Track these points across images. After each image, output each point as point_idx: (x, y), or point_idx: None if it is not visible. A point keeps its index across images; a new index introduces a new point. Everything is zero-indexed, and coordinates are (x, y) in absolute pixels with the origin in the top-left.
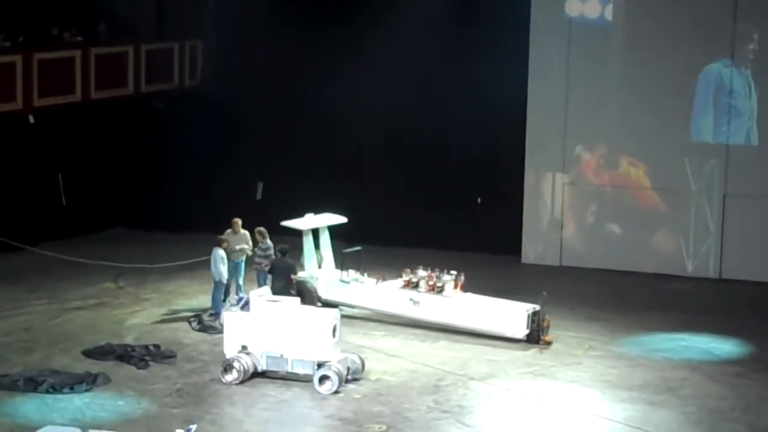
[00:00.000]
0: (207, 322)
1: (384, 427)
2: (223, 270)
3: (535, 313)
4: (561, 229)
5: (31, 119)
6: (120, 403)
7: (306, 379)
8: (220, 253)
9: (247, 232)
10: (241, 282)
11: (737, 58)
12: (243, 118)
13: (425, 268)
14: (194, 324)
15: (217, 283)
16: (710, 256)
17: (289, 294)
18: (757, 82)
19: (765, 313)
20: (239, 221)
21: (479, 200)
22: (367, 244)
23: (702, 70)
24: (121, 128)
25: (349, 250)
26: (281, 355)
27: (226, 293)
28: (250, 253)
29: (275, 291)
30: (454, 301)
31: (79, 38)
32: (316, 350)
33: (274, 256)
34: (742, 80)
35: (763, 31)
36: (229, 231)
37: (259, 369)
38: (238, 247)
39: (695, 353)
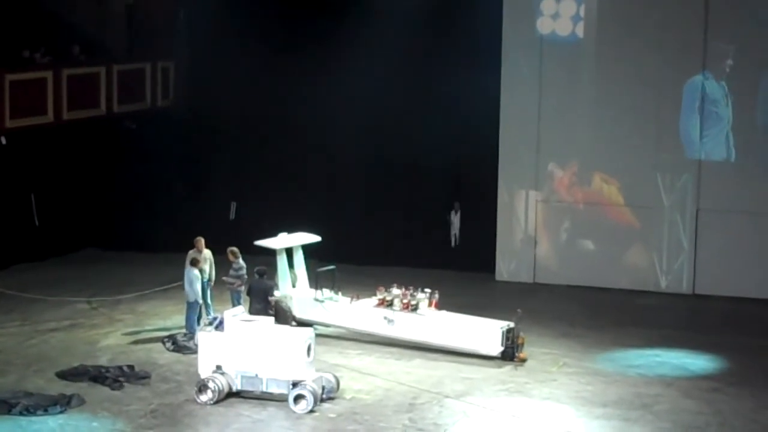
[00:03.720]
0: (181, 343)
1: None
2: (199, 290)
3: (509, 331)
4: (534, 246)
5: (3, 140)
6: (94, 424)
7: (281, 399)
8: (195, 272)
9: (209, 251)
10: (209, 301)
11: (709, 72)
12: (215, 138)
13: (399, 287)
14: (168, 344)
15: (192, 304)
16: (683, 271)
17: (267, 315)
18: (724, 96)
19: (739, 328)
20: (202, 240)
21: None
22: (341, 262)
23: (674, 85)
24: (93, 149)
25: (323, 268)
26: (256, 375)
27: (199, 313)
28: (213, 275)
29: (253, 313)
30: (429, 319)
31: (51, 59)
32: (291, 369)
33: (246, 276)
34: (719, 93)
35: (734, 45)
36: (192, 250)
37: (234, 389)
38: (203, 267)
39: (669, 369)
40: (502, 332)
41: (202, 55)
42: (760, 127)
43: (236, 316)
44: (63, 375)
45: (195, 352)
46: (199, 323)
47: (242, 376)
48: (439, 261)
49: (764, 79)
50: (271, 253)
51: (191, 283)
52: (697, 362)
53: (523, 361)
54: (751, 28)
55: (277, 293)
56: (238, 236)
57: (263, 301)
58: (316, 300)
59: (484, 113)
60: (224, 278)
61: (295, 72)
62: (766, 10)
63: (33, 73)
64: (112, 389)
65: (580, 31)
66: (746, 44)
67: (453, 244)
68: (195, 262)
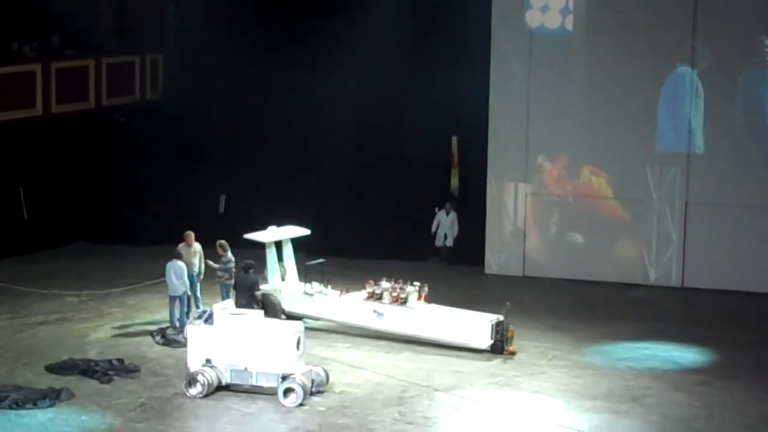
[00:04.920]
0: (170, 336)
1: None
2: (187, 280)
3: (498, 324)
4: (524, 239)
5: None
6: (84, 418)
7: (270, 392)
8: (181, 264)
9: (199, 245)
10: (198, 294)
11: (698, 65)
12: (205, 131)
13: (389, 280)
14: (158, 338)
15: (181, 297)
16: (672, 264)
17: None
18: (712, 89)
19: (727, 321)
20: (192, 234)
21: (437, 210)
22: (331, 256)
23: (663, 79)
24: (82, 142)
25: (313, 262)
26: (245, 368)
27: (188, 307)
28: (203, 268)
29: (239, 307)
30: (418, 313)
31: (39, 52)
32: (281, 363)
33: (234, 270)
34: (702, 88)
35: (723, 39)
36: (182, 244)
37: (224, 382)
38: (192, 261)
39: (659, 362)
40: (492, 325)
41: (192, 48)
42: (749, 120)
43: (225, 309)
44: (52, 368)
45: (184, 345)
46: (188, 316)
47: (232, 370)
48: (428, 254)
49: (751, 74)
50: (261, 247)
51: (179, 275)
52: (686, 355)
53: (513, 354)
54: (740, 21)
55: (265, 287)
56: (227, 229)
57: (249, 296)
58: (306, 293)
59: (473, 107)
60: (210, 262)
61: (284, 66)
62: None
63: (21, 66)
64: (102, 383)
65: (569, 24)
66: (735, 38)
67: (442, 244)
68: (179, 255)
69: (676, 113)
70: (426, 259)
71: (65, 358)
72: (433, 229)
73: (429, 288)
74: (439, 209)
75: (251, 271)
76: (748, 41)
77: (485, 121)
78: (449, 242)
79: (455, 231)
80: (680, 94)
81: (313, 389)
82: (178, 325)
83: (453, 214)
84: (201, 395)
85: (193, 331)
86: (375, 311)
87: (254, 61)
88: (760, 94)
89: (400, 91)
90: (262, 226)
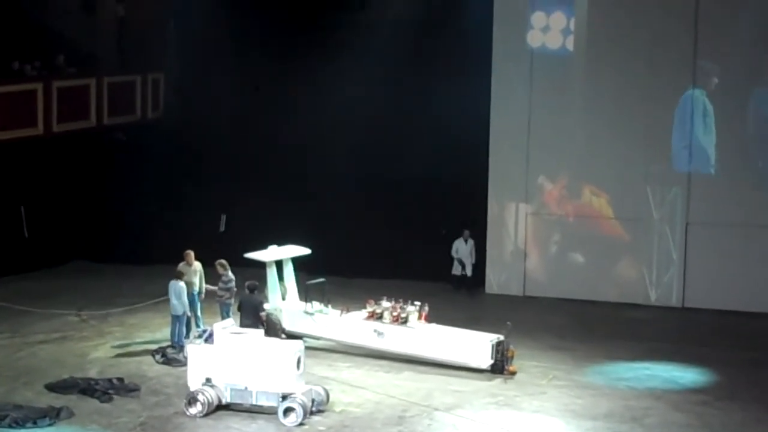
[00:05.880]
0: (171, 355)
1: None
2: (186, 301)
3: (499, 343)
4: (524, 259)
5: None
6: None
7: (270, 411)
8: (181, 284)
9: (199, 264)
10: (199, 314)
11: (699, 86)
12: (205, 150)
13: (389, 299)
14: (158, 357)
15: (180, 317)
16: (673, 284)
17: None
18: (717, 111)
19: (728, 342)
20: (192, 253)
21: (444, 232)
22: (331, 275)
23: (666, 99)
24: (83, 161)
25: (313, 281)
26: (245, 388)
27: (188, 326)
28: (203, 288)
29: (243, 327)
30: (419, 332)
31: (41, 71)
32: (281, 382)
33: (235, 289)
34: (705, 109)
35: (723, 59)
36: (182, 263)
37: (224, 401)
38: (192, 280)
39: (659, 382)
40: (492, 345)
41: (193, 67)
42: (749, 141)
43: (226, 328)
44: (52, 387)
45: (184, 364)
46: (188, 335)
47: (232, 389)
48: (429, 274)
49: (753, 94)
50: (261, 266)
51: (179, 296)
52: (687, 375)
53: (513, 374)
54: (741, 42)
55: (266, 306)
56: (227, 248)
57: (254, 317)
58: (306, 313)
59: (474, 127)
60: (210, 287)
61: (285, 85)
62: (754, 23)
63: (23, 84)
64: (102, 402)
65: (570, 45)
66: (736, 58)
67: (460, 273)
68: (179, 275)
69: (678, 134)
70: (436, 280)
71: (65, 376)
72: (454, 255)
73: (429, 307)
74: (456, 237)
75: (256, 291)
76: (754, 58)
77: (486, 141)
78: (468, 271)
79: (473, 259)
80: (682, 115)
81: (314, 408)
82: (174, 345)
83: (471, 242)
84: (201, 414)
85: (194, 350)
86: (375, 331)
87: (255, 79)
88: (766, 115)
89: (401, 110)
90: (263, 246)
